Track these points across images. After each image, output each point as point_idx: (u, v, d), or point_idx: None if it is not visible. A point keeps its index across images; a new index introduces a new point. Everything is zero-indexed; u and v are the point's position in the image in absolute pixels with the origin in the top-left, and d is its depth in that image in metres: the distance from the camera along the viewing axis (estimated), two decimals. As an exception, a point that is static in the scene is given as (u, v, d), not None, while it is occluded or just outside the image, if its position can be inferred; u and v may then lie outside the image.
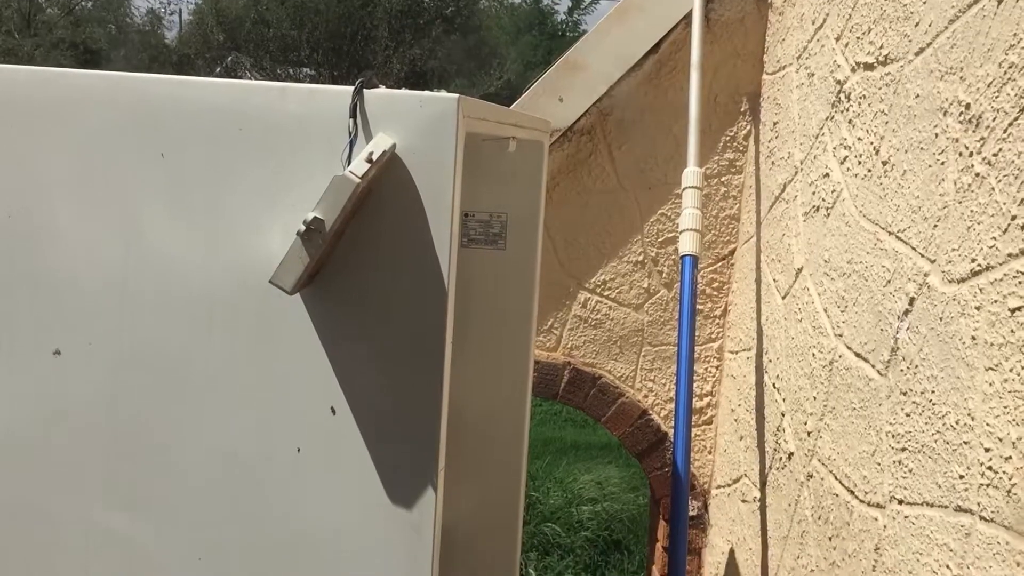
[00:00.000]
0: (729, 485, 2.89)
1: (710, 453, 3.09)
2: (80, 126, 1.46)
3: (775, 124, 2.64)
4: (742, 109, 2.86)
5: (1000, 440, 1.29)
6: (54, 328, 1.50)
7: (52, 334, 1.50)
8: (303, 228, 1.29)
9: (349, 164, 1.31)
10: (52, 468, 1.53)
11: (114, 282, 1.47)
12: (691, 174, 2.50)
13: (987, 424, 1.33)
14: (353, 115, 1.34)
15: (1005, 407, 1.28)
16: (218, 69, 19.07)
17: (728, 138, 2.87)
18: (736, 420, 2.83)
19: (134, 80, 1.46)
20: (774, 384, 2.46)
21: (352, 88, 1.35)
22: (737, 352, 2.87)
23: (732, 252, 2.95)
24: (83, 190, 1.47)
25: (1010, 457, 1.26)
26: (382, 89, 1.37)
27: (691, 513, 3.06)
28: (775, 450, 2.42)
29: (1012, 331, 1.28)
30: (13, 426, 1.53)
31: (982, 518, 1.33)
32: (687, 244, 2.45)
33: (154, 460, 1.49)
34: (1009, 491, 1.26)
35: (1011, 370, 1.27)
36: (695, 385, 3.01)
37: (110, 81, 1.47)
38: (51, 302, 1.50)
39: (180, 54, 19.58)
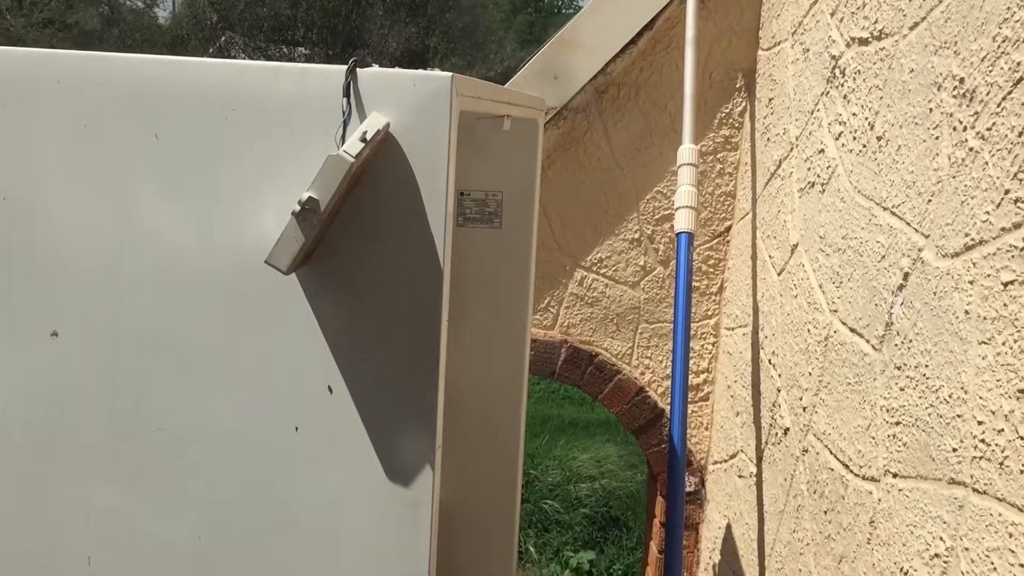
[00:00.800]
0: (726, 461, 2.91)
1: (707, 429, 3.10)
2: (74, 107, 1.46)
3: (770, 100, 2.63)
4: (737, 85, 2.85)
5: (993, 413, 1.30)
6: (51, 310, 1.51)
7: (49, 316, 1.51)
8: (298, 208, 1.29)
9: (343, 143, 1.31)
10: (51, 449, 1.54)
11: (111, 263, 1.47)
12: (686, 151, 2.50)
13: (980, 397, 1.34)
14: (347, 94, 1.34)
15: (998, 380, 1.29)
16: (212, 49, 18.94)
17: (724, 115, 2.87)
18: (732, 396, 2.85)
19: (127, 61, 1.46)
20: (770, 360, 2.47)
21: (345, 67, 1.34)
22: (733, 328, 2.88)
23: (728, 229, 2.95)
24: (78, 171, 1.47)
25: (1002, 430, 1.27)
26: (376, 68, 1.37)
27: (688, 489, 3.08)
28: (771, 425, 2.43)
29: (1005, 305, 1.28)
30: (12, 407, 1.54)
31: (975, 490, 1.34)
32: (683, 221, 2.45)
33: (153, 440, 1.50)
34: (1002, 463, 1.27)
35: (1004, 343, 1.28)
36: (692, 362, 3.02)
37: (104, 62, 1.46)
38: (48, 284, 1.50)
39: (173, 35, 19.44)
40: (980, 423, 1.33)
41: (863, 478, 1.78)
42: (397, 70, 1.37)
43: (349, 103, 1.34)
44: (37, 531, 1.57)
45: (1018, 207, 1.27)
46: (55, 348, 1.51)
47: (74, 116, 1.46)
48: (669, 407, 2.75)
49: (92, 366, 1.50)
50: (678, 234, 2.46)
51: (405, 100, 1.34)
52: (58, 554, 1.57)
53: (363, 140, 1.28)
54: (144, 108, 1.44)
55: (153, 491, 1.52)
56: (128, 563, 1.55)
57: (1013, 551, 1.23)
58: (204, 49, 18.70)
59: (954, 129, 1.48)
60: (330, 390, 1.43)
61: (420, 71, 1.35)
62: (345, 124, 1.34)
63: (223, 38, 19.49)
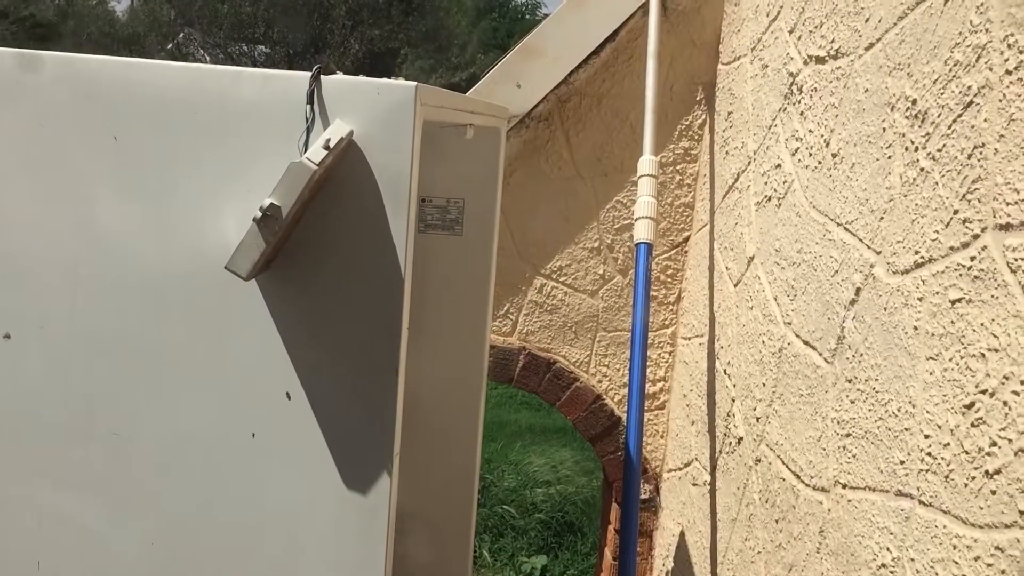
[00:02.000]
0: (680, 469, 2.94)
1: (662, 437, 3.14)
2: (32, 107, 1.44)
3: (729, 114, 2.67)
4: (698, 98, 2.89)
5: (939, 427, 1.33)
6: (5, 312, 1.48)
7: (2, 318, 1.48)
8: (259, 215, 1.28)
9: (306, 151, 1.31)
10: (3, 452, 1.51)
11: (66, 265, 1.46)
12: (647, 162, 2.52)
13: (927, 412, 1.37)
14: (310, 101, 1.34)
15: (944, 395, 1.32)
16: (169, 46, 18.71)
17: (684, 127, 2.91)
18: (688, 405, 2.88)
19: (87, 62, 1.44)
20: (725, 370, 2.50)
21: (309, 74, 1.34)
22: (690, 338, 2.92)
23: (686, 240, 2.99)
24: (34, 173, 1.45)
25: (948, 444, 1.31)
26: (340, 75, 1.37)
27: (643, 496, 3.11)
28: (725, 435, 2.47)
29: (952, 322, 1.32)
30: (-39, 410, 1.51)
31: (921, 502, 1.37)
32: (642, 232, 2.47)
33: (107, 444, 1.48)
34: (947, 476, 1.30)
35: (951, 359, 1.32)
36: (648, 370, 3.05)
37: (63, 63, 1.45)
38: (1, 286, 1.48)
39: (130, 30, 19.16)
40: (927, 437, 1.37)
41: (814, 488, 1.81)
42: (361, 78, 1.37)
43: (313, 110, 1.34)
44: (-15, 536, 1.54)
45: (966, 227, 1.30)
46: (7, 350, 1.48)
47: (31, 116, 1.44)
48: (626, 415, 2.77)
49: (45, 369, 1.48)
50: (637, 244, 2.49)
51: (369, 108, 1.34)
52: (7, 558, 1.54)
53: (326, 147, 1.28)
54: (104, 110, 1.42)
55: (105, 496, 1.50)
56: (79, 569, 1.53)
57: (957, 562, 1.26)
58: (161, 46, 18.45)
59: (906, 149, 1.52)
60: (288, 396, 1.43)
61: (384, 80, 1.36)
62: (308, 131, 1.34)
63: (181, 35, 19.26)
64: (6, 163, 1.45)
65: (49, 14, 19.26)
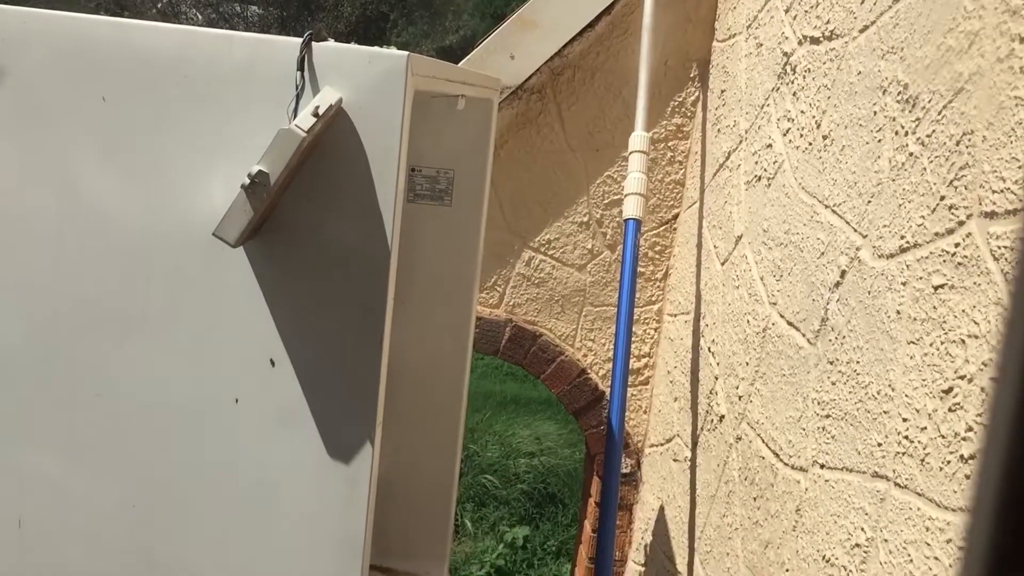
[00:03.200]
0: (662, 444, 2.96)
1: (645, 413, 3.16)
2: (15, 66, 1.42)
3: (723, 92, 2.67)
4: (691, 75, 2.88)
5: (917, 411, 1.35)
6: (-12, 271, 1.48)
7: (-15, 277, 1.48)
8: (247, 181, 1.28)
9: (295, 117, 1.31)
10: (-16, 412, 1.51)
11: (50, 228, 1.45)
12: (638, 138, 2.52)
13: (906, 395, 1.38)
14: (301, 68, 1.33)
15: (923, 380, 1.34)
16: (160, 4, 18.47)
17: (676, 103, 2.90)
18: (672, 382, 2.90)
19: (76, 20, 1.43)
20: (709, 348, 2.52)
21: (300, 40, 1.33)
22: (676, 315, 2.93)
23: (675, 217, 2.99)
24: (16, 134, 1.44)
25: (925, 428, 1.32)
26: (331, 43, 1.36)
27: (624, 470, 3.14)
28: (707, 412, 2.49)
29: (934, 307, 1.33)
30: (-56, 369, 1.51)
31: (896, 484, 1.39)
32: (631, 208, 2.47)
33: (89, 407, 1.49)
34: (923, 460, 1.32)
35: (931, 344, 1.33)
36: (633, 346, 3.07)
37: (51, 20, 1.43)
38: (-15, 244, 1.47)
39: (122, -14, 18.89)
40: (905, 420, 1.38)
41: (792, 467, 1.83)
42: (352, 46, 1.36)
43: (303, 77, 1.33)
44: (-34, 494, 1.54)
45: (952, 213, 1.31)
46: (-9, 310, 1.48)
47: (15, 74, 1.43)
48: (609, 389, 2.79)
49: (28, 332, 1.48)
50: (626, 220, 2.49)
51: (359, 77, 1.34)
52: (-13, 518, 1.55)
53: (315, 115, 1.28)
54: (92, 70, 1.41)
55: (87, 457, 1.51)
56: (60, 528, 1.54)
57: (928, 544, 1.28)
58: (152, 4, 18.21)
59: (896, 133, 1.52)
60: (272, 363, 1.43)
61: (375, 48, 1.35)
62: (298, 98, 1.33)
63: (173, -8, 18.99)
64: (-8, 121, 1.44)
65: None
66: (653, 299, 3.06)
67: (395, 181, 1.35)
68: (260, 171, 1.27)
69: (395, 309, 1.45)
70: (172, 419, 1.48)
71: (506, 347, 3.09)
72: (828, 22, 1.90)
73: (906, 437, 1.37)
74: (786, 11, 2.17)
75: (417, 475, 2.13)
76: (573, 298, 3.06)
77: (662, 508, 2.91)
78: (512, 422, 8.64)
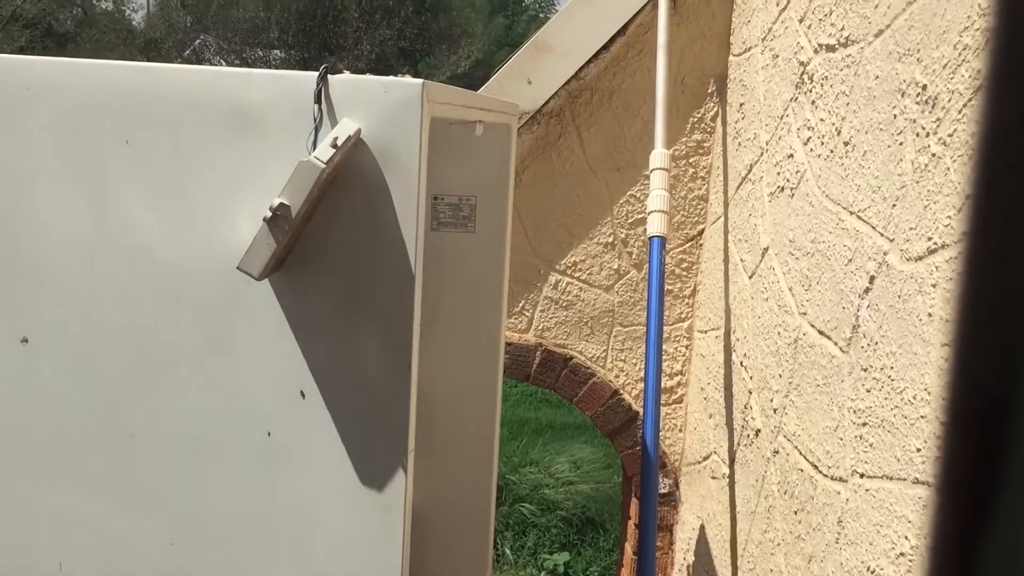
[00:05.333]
0: (699, 462, 2.93)
1: (680, 431, 3.13)
2: (44, 113, 1.46)
3: (741, 105, 2.66)
4: (709, 90, 2.88)
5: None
6: (21, 316, 1.50)
7: (19, 322, 1.50)
8: (269, 214, 1.29)
9: (314, 149, 1.32)
10: (22, 455, 1.53)
11: (81, 269, 1.47)
12: (659, 156, 2.52)
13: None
14: (318, 101, 1.35)
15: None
16: (186, 52, 18.84)
17: (696, 119, 2.90)
18: (705, 398, 2.87)
19: (97, 67, 1.46)
20: (742, 362, 2.49)
21: (316, 74, 1.35)
22: (706, 331, 2.91)
23: (701, 232, 2.98)
24: (48, 178, 1.47)
25: (964, 430, 1.30)
26: (347, 74, 1.37)
27: (662, 490, 3.11)
28: (743, 427, 2.46)
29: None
30: (-18, 415, 1.53)
31: (938, 490, 1.36)
32: (655, 225, 2.47)
33: (125, 446, 1.50)
34: (963, 463, 1.30)
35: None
36: (665, 364, 3.04)
37: (74, 68, 1.46)
38: (17, 290, 1.50)
39: (147, 37, 19.29)
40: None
41: (831, 478, 1.80)
42: (368, 76, 1.38)
43: (320, 109, 1.35)
44: (7, 537, 1.56)
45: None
46: (25, 354, 1.50)
47: (45, 121, 1.46)
48: (643, 409, 2.77)
49: (63, 372, 1.50)
50: (650, 238, 2.48)
51: (376, 106, 1.35)
52: (29, 560, 1.56)
53: (334, 146, 1.29)
54: (115, 114, 1.44)
55: (124, 497, 1.52)
56: (99, 570, 1.55)
57: (975, 549, 1.25)
58: (178, 52, 18.58)
59: (917, 135, 1.51)
60: (302, 395, 1.44)
61: (391, 77, 1.36)
62: (316, 130, 1.35)
63: (197, 41, 19.39)
64: (21, 168, 1.47)
65: (67, 23, 19.42)
66: (682, 316, 3.04)
67: (416, 208, 1.36)
68: (281, 204, 1.28)
69: (423, 337, 1.46)
70: (206, 455, 1.49)
71: (537, 372, 3.08)
72: (842, 29, 1.89)
73: (945, 441, 1.35)
74: (800, 21, 2.17)
75: (454, 505, 2.12)
76: (602, 319, 3.05)
77: (703, 527, 2.88)
78: (549, 449, 8.59)
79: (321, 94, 1.35)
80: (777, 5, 2.36)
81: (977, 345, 0.36)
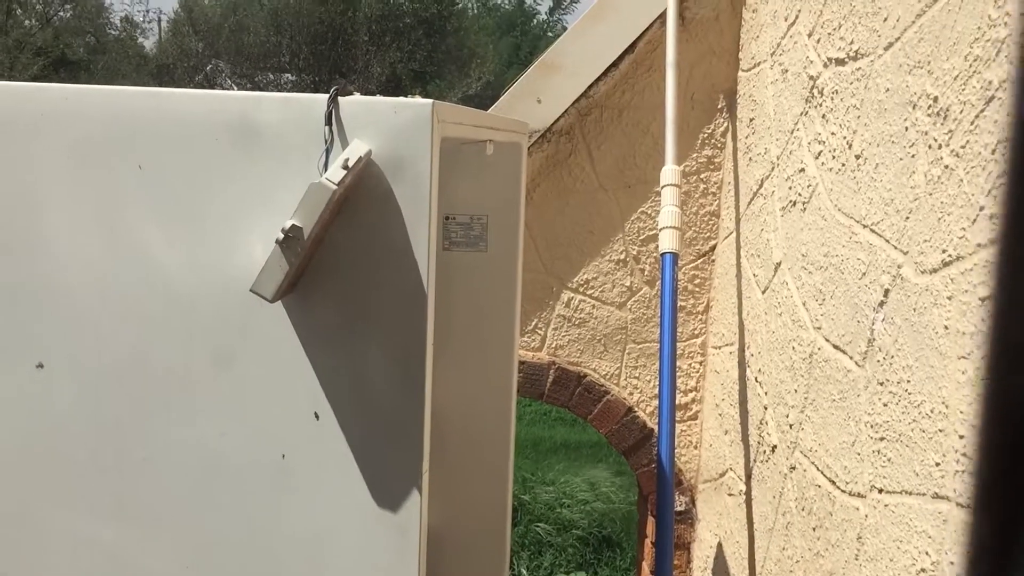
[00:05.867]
0: (715, 479, 2.91)
1: (696, 448, 3.11)
2: (58, 140, 1.47)
3: (751, 120, 2.66)
4: (719, 106, 2.88)
5: (974, 427, 1.31)
6: (36, 341, 1.51)
7: (35, 347, 1.51)
8: (281, 236, 1.30)
9: (326, 171, 1.33)
10: (37, 480, 1.53)
11: (95, 294, 1.48)
12: (669, 172, 2.52)
13: (961, 412, 1.35)
14: (328, 122, 1.35)
15: (978, 395, 1.30)
16: (198, 77, 18.99)
17: (706, 135, 2.90)
18: (720, 415, 2.86)
19: (109, 93, 1.47)
20: (756, 378, 2.48)
21: (327, 96, 1.36)
22: (720, 347, 2.89)
23: (713, 248, 2.97)
24: (63, 204, 1.48)
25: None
26: (357, 96, 1.38)
27: (678, 508, 3.08)
28: (759, 443, 2.44)
29: (983, 320, 1.30)
30: (-2, 440, 1.54)
31: (959, 504, 1.35)
32: (667, 241, 2.46)
33: (139, 469, 1.50)
34: (983, 477, 1.28)
35: (982, 358, 1.29)
36: (679, 381, 3.03)
37: (86, 94, 1.48)
38: (33, 315, 1.50)
39: (159, 63, 19.47)
40: (962, 437, 1.34)
41: (850, 494, 1.79)
42: (378, 98, 1.38)
43: (331, 131, 1.36)
44: (23, 563, 1.56)
45: (993, 223, 1.28)
46: (41, 380, 1.51)
47: (58, 148, 1.47)
48: (657, 426, 2.76)
49: (77, 396, 1.50)
50: (663, 254, 2.48)
51: (387, 127, 1.36)
52: (45, 587, 1.56)
53: (345, 167, 1.30)
54: (127, 139, 1.45)
55: (139, 521, 1.52)
56: (116, 594, 1.54)
57: (997, 564, 1.24)
58: (190, 78, 18.74)
59: (929, 147, 1.51)
60: (316, 416, 1.44)
61: (401, 98, 1.37)
62: (327, 152, 1.36)
63: (209, 66, 19.55)
64: (34, 195, 1.48)
65: (80, 51, 19.63)
66: (696, 332, 3.03)
67: (427, 226, 1.36)
68: (293, 225, 1.29)
69: (436, 357, 1.46)
70: (220, 478, 1.49)
71: (551, 390, 3.07)
72: (852, 43, 1.89)
73: (965, 455, 1.33)
74: (809, 35, 2.17)
75: (469, 525, 2.11)
76: (615, 336, 3.04)
77: (720, 545, 2.85)
78: (564, 468, 8.56)
79: (332, 116, 1.35)
80: (786, 20, 2.36)
81: (1012, 361, 0.35)
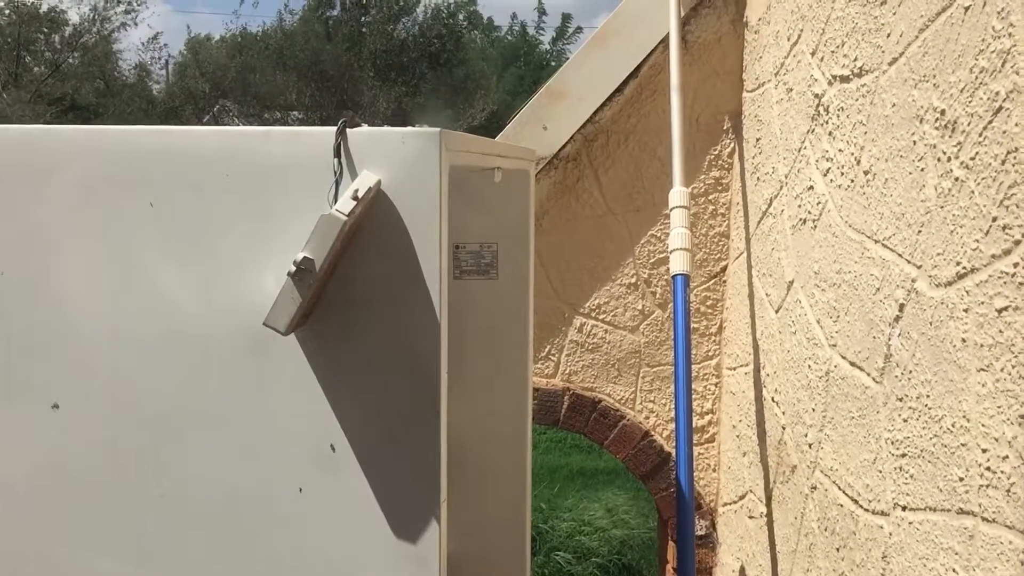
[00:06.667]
0: (735, 502, 2.88)
1: (714, 471, 3.08)
2: (69, 180, 1.48)
3: (758, 140, 2.66)
4: (724, 127, 2.89)
5: (996, 440, 1.30)
6: (52, 382, 1.51)
7: (50, 388, 1.51)
8: (293, 269, 1.30)
9: (336, 202, 1.33)
10: (55, 520, 1.53)
11: (109, 333, 1.48)
12: (677, 194, 2.52)
13: (982, 425, 1.33)
14: (337, 154, 1.36)
15: (999, 407, 1.29)
16: (206, 118, 19.17)
17: (712, 156, 2.90)
18: (738, 436, 2.83)
19: (119, 133, 1.48)
20: (773, 398, 2.46)
21: (335, 128, 1.36)
22: (735, 368, 2.88)
23: (724, 269, 2.97)
24: (75, 244, 1.48)
25: (1007, 456, 1.27)
26: (365, 127, 1.39)
27: (699, 532, 3.05)
28: (778, 464, 2.42)
29: (1000, 331, 1.29)
30: (16, 481, 1.53)
31: (984, 519, 1.33)
32: (678, 263, 2.46)
33: (156, 506, 1.49)
34: (1008, 490, 1.26)
35: (1002, 370, 1.28)
36: (695, 403, 3.01)
37: (95, 135, 1.49)
38: (47, 356, 1.51)
39: (167, 106, 19.66)
40: (984, 451, 1.33)
41: (873, 512, 1.77)
42: (386, 128, 1.39)
43: (340, 163, 1.36)
44: (42, 606, 1.55)
45: (1007, 233, 1.28)
46: (56, 420, 1.51)
47: (69, 189, 1.48)
48: (675, 450, 2.74)
49: (93, 436, 1.50)
50: (674, 276, 2.47)
51: (395, 157, 1.36)
52: (64, 629, 1.55)
53: (355, 198, 1.30)
54: (138, 177, 1.46)
55: (158, 558, 1.51)
56: (135, 635, 1.53)
57: (1027, 579, 1.22)
58: (198, 119, 18.91)
59: (938, 160, 1.50)
60: (333, 448, 1.43)
61: (408, 128, 1.37)
62: (337, 183, 1.36)
63: (216, 107, 19.73)
64: (47, 236, 1.49)
65: (90, 96, 19.85)
66: (710, 354, 3.02)
67: (438, 254, 1.36)
68: (305, 258, 1.29)
69: (450, 386, 1.45)
70: (239, 514, 1.48)
71: (566, 416, 3.06)
72: (856, 59, 1.90)
73: (988, 468, 1.32)
74: (812, 54, 2.17)
75: (488, 555, 2.09)
76: (629, 360, 3.03)
77: (742, 569, 2.82)
78: (582, 495, 8.49)
79: (340, 147, 1.36)
80: (788, 40, 2.37)
81: None
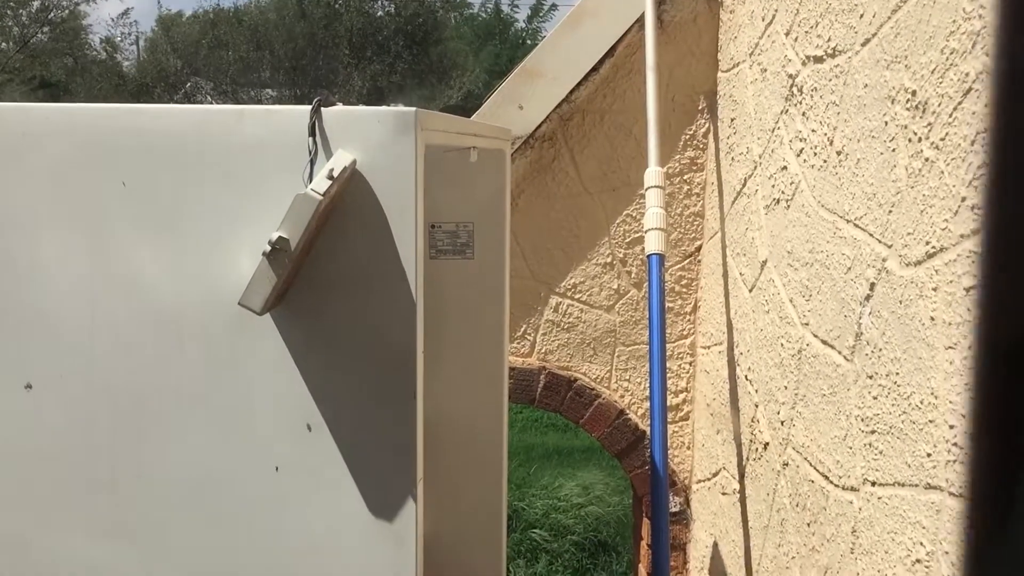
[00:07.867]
0: (709, 479, 2.92)
1: (689, 448, 3.12)
2: (40, 159, 1.46)
3: (732, 120, 2.68)
4: (700, 107, 2.90)
5: (963, 416, 1.32)
6: (25, 362, 1.50)
7: (23, 368, 1.50)
8: (268, 248, 1.30)
9: (311, 182, 1.33)
10: (31, 503, 1.52)
11: (83, 312, 1.47)
12: (653, 174, 2.53)
13: (950, 402, 1.36)
14: (312, 134, 1.35)
15: (966, 384, 1.31)
16: (177, 95, 18.94)
17: (688, 136, 2.91)
18: (712, 414, 2.87)
19: (91, 111, 1.47)
20: (746, 376, 2.49)
21: (310, 107, 1.36)
22: (709, 347, 2.90)
23: (698, 249, 2.99)
24: (47, 223, 1.47)
25: (974, 432, 1.29)
26: (340, 107, 1.38)
27: (673, 509, 3.09)
28: (751, 441, 2.45)
29: (968, 309, 1.31)
30: (-12, 463, 1.53)
31: (951, 494, 1.36)
32: (653, 243, 2.47)
33: (133, 488, 1.49)
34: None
35: (969, 347, 1.30)
36: (670, 382, 3.04)
37: (67, 113, 1.47)
38: (20, 336, 1.50)
39: (138, 83, 19.39)
40: (952, 427, 1.35)
41: (843, 488, 1.79)
42: (361, 107, 1.39)
43: (315, 142, 1.36)
44: (18, 587, 1.55)
45: (975, 213, 1.30)
46: (30, 400, 1.50)
47: (41, 168, 1.46)
48: (650, 428, 2.76)
49: (68, 416, 1.49)
50: (649, 256, 2.49)
51: (370, 136, 1.36)
52: (40, 609, 1.55)
53: (330, 178, 1.30)
54: (110, 157, 1.44)
55: (135, 540, 1.51)
56: (112, 614, 1.53)
57: (991, 551, 1.25)
58: (170, 96, 18.69)
59: (909, 140, 1.52)
60: (309, 428, 1.43)
61: (384, 107, 1.37)
62: (312, 163, 1.36)
63: (188, 84, 19.50)
64: (18, 216, 1.48)
65: (60, 74, 19.55)
66: (684, 333, 3.04)
67: (414, 234, 1.36)
68: (280, 237, 1.29)
69: (427, 365, 1.46)
70: (215, 494, 1.48)
71: (542, 395, 3.08)
72: (829, 40, 1.91)
73: (955, 444, 1.34)
74: (786, 34, 2.18)
75: (465, 532, 2.11)
76: (604, 340, 3.04)
77: (716, 544, 2.86)
78: (557, 473, 8.55)
79: (315, 127, 1.36)
80: (763, 20, 2.38)
81: (1000, 350, 0.35)
